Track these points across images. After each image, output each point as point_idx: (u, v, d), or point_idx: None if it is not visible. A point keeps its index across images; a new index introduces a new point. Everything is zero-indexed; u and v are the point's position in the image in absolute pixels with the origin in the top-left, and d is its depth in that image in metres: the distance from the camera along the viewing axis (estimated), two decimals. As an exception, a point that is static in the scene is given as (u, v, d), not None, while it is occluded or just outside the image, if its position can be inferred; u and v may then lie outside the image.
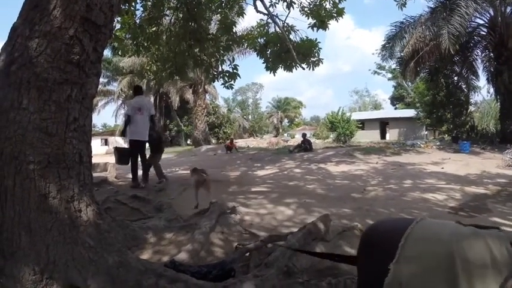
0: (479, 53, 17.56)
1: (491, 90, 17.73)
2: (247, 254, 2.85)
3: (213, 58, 8.30)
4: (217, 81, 8.30)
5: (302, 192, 6.39)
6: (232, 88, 8.10)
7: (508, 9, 14.81)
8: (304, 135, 17.10)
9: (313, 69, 7.98)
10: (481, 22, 16.29)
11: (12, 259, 1.97)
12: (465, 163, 10.54)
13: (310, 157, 12.72)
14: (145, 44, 7.68)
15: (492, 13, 15.40)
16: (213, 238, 3.40)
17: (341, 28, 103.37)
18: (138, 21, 7.44)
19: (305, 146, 15.20)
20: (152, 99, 31.11)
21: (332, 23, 7.77)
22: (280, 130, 55.67)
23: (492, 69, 16.47)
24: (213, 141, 29.81)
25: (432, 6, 15.65)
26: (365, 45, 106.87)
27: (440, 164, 10.42)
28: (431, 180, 7.62)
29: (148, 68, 9.38)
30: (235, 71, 7.88)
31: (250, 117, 59.76)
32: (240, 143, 24.59)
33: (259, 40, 8.41)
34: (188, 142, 33.46)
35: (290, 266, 2.57)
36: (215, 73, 8.23)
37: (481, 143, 15.29)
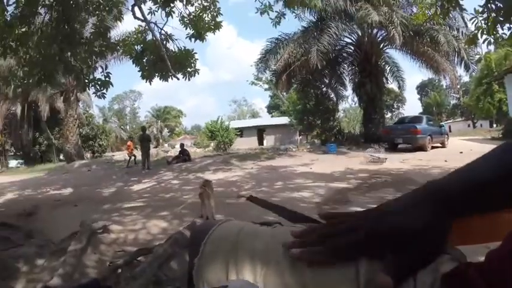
0: (346, 67, 20.52)
1: (355, 99, 20.81)
2: (120, 270, 2.98)
3: (85, 64, 7.64)
4: (89, 89, 7.78)
5: (178, 203, 6.45)
6: (104, 97, 7.60)
7: (374, 31, 17.37)
8: (182, 145, 17.34)
9: (189, 80, 7.95)
10: (349, 41, 19.02)
11: None
12: (331, 162, 11.64)
13: (189, 167, 12.92)
14: (13, 46, 6.76)
15: (360, 33, 17.93)
16: (86, 260, 3.41)
17: (224, 37, 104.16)
18: (8, 19, 6.54)
19: (183, 156, 15.43)
20: (19, 108, 26.63)
21: (212, 34, 8.02)
22: (161, 140, 53.54)
23: (357, 81, 19.15)
24: (88, 155, 26.77)
25: (305, 26, 17.88)
26: (246, 56, 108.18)
27: (309, 164, 11.37)
28: (300, 180, 8.18)
29: (15, 73, 8.30)
30: (107, 79, 7.37)
31: (128, 127, 56.80)
32: (117, 156, 22.93)
33: (136, 47, 8.20)
34: (61, 157, 29.31)
35: (159, 276, 2.84)
36: (86, 81, 7.52)
37: (347, 144, 17.73)
